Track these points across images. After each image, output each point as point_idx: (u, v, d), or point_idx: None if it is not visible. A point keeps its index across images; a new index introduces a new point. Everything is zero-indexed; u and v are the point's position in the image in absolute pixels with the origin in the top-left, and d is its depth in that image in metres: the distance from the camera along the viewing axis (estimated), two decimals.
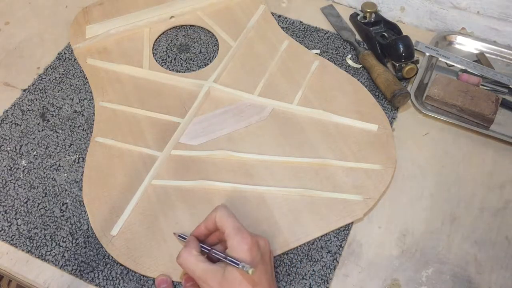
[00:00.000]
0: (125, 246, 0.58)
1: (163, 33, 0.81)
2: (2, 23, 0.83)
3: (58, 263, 0.58)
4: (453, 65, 0.75)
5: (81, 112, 0.71)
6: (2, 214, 0.62)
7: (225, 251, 0.50)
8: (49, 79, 0.75)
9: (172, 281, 0.56)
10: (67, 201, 0.63)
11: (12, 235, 0.60)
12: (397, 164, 0.65)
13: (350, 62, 0.76)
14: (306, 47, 0.77)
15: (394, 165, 0.64)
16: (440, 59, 0.75)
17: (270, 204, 0.61)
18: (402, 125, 0.70)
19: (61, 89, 0.74)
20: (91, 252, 0.59)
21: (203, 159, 0.65)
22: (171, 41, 0.80)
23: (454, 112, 0.70)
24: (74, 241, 0.59)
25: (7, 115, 0.71)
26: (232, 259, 0.48)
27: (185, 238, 0.55)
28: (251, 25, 0.80)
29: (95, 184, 0.63)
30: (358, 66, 0.76)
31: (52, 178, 0.65)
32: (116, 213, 0.61)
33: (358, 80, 0.73)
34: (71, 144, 0.68)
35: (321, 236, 0.59)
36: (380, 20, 0.80)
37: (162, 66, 0.76)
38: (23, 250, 0.59)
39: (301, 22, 0.82)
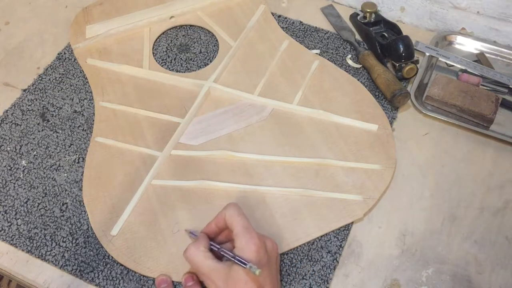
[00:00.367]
0: (125, 246, 0.58)
1: (163, 33, 0.81)
2: (2, 23, 0.83)
3: (58, 263, 0.58)
4: (453, 65, 0.75)
5: (81, 112, 0.71)
6: (2, 214, 0.62)
7: (232, 250, 0.50)
8: (49, 79, 0.75)
9: (172, 281, 0.56)
10: (67, 201, 0.63)
11: (12, 235, 0.60)
12: (397, 164, 0.65)
13: (350, 62, 0.76)
14: (306, 47, 0.77)
15: (394, 165, 0.64)
16: (440, 59, 0.75)
17: (270, 204, 0.61)
18: (402, 125, 0.70)
19: (61, 89, 0.74)
20: (91, 252, 0.59)
21: (203, 159, 0.65)
22: (171, 41, 0.80)
23: (454, 112, 0.70)
24: (74, 241, 0.59)
25: (7, 115, 0.71)
26: (240, 259, 0.48)
27: (195, 235, 0.55)
28: (251, 25, 0.80)
29: (95, 184, 0.63)
30: (358, 66, 0.76)
31: (52, 178, 0.65)
32: (116, 213, 0.61)
33: (358, 80, 0.73)
34: (71, 144, 0.68)
35: (321, 236, 0.59)
36: (380, 20, 0.80)
37: (162, 66, 0.76)
38: (23, 250, 0.59)
39: (301, 22, 0.82)
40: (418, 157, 0.66)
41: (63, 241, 0.60)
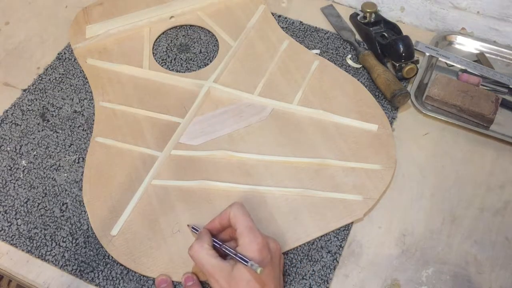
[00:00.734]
0: (125, 246, 0.58)
1: (163, 33, 0.81)
2: (2, 23, 0.83)
3: (58, 263, 0.58)
4: (453, 65, 0.75)
5: (81, 112, 0.71)
6: (2, 214, 0.62)
7: (235, 248, 0.50)
8: (49, 79, 0.75)
9: (172, 281, 0.56)
10: (67, 201, 0.63)
11: (12, 235, 0.60)
12: (397, 164, 0.65)
13: (350, 62, 0.76)
14: (306, 47, 0.77)
15: (394, 165, 0.64)
16: (440, 59, 0.75)
17: (270, 204, 0.61)
18: (402, 125, 0.70)
19: (61, 89, 0.74)
20: (91, 252, 0.59)
21: (203, 159, 0.65)
22: (171, 41, 0.80)
23: (454, 112, 0.70)
24: (74, 241, 0.59)
25: (7, 115, 0.71)
26: (242, 257, 0.48)
27: (197, 231, 0.55)
28: (251, 25, 0.80)
29: (95, 184, 0.63)
30: (358, 66, 0.76)
31: (52, 178, 0.65)
32: (116, 213, 0.61)
33: (358, 80, 0.73)
34: (71, 144, 0.68)
35: (321, 236, 0.59)
36: (380, 20, 0.80)
37: (162, 66, 0.76)
38: (23, 250, 0.59)
39: (301, 22, 0.82)
40: (418, 157, 0.66)
41: (63, 241, 0.60)
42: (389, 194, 0.63)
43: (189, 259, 0.57)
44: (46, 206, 0.62)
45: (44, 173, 0.65)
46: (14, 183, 0.64)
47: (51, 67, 0.76)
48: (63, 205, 0.62)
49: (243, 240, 0.50)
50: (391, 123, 0.69)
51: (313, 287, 0.56)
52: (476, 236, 0.60)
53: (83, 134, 0.69)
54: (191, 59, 0.77)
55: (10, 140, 0.68)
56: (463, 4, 0.77)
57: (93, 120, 0.70)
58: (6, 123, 0.70)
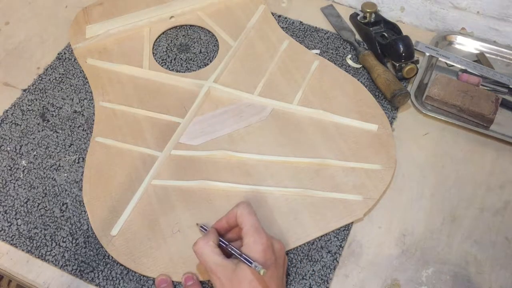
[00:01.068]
0: (125, 246, 0.58)
1: (163, 33, 0.81)
2: (2, 23, 0.83)
3: (58, 263, 0.58)
4: (453, 65, 0.75)
5: (81, 112, 0.71)
6: (2, 214, 0.62)
7: (240, 248, 0.50)
8: (49, 79, 0.75)
9: (172, 281, 0.56)
10: (67, 201, 0.63)
11: (12, 235, 0.60)
12: (397, 164, 0.65)
13: (350, 62, 0.76)
14: (306, 47, 0.77)
15: (394, 165, 0.64)
16: (440, 59, 0.75)
17: (270, 204, 0.61)
18: (402, 125, 0.70)
19: (61, 89, 0.74)
20: (91, 252, 0.59)
21: (203, 159, 0.65)
22: (171, 41, 0.80)
23: (454, 112, 0.70)
24: (74, 241, 0.59)
25: (7, 115, 0.71)
26: (246, 257, 0.48)
27: (206, 230, 0.56)
28: (251, 25, 0.80)
29: (95, 184, 0.63)
30: (358, 66, 0.76)
31: (52, 178, 0.65)
32: (116, 213, 0.61)
33: (358, 80, 0.73)
34: (71, 144, 0.68)
35: (321, 236, 0.59)
36: (380, 20, 0.80)
37: (162, 66, 0.76)
38: (23, 250, 0.59)
39: (301, 22, 0.82)
40: (418, 157, 0.66)
41: (63, 241, 0.60)
42: (389, 194, 0.63)
43: (189, 259, 0.57)
44: (46, 206, 0.62)
45: (44, 173, 0.65)
46: (14, 183, 0.64)
47: (51, 67, 0.76)
48: (63, 205, 0.62)
49: (248, 240, 0.50)
50: (391, 123, 0.69)
51: (313, 287, 0.56)
52: (476, 236, 0.60)
53: (83, 134, 0.69)
54: (191, 59, 0.77)
55: (10, 140, 0.68)
56: (463, 4, 0.77)
57: (93, 120, 0.70)
58: (6, 123, 0.70)
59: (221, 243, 0.53)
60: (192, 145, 0.66)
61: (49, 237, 0.60)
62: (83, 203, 0.62)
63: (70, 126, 0.70)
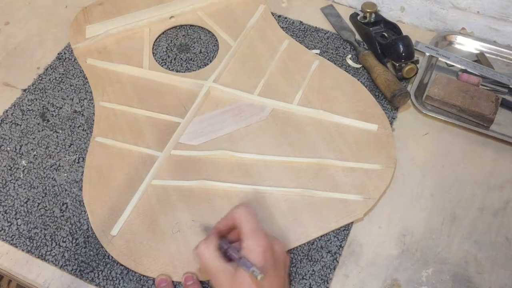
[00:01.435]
0: (125, 246, 0.58)
1: (163, 33, 0.81)
2: (2, 23, 0.83)
3: (58, 263, 0.58)
4: (453, 65, 0.75)
5: (81, 112, 0.71)
6: (2, 214, 0.62)
7: (240, 250, 0.50)
8: (49, 79, 0.75)
9: (172, 281, 0.56)
10: (67, 201, 0.63)
11: (12, 235, 0.60)
12: (397, 164, 0.65)
13: (350, 62, 0.76)
14: (306, 47, 0.77)
15: (394, 165, 0.64)
16: (440, 59, 0.75)
17: (270, 204, 0.61)
18: (402, 125, 0.70)
19: (61, 89, 0.74)
20: (91, 252, 0.59)
21: (203, 159, 0.65)
22: (171, 41, 0.80)
23: (454, 112, 0.70)
24: (74, 241, 0.59)
25: (7, 115, 0.71)
26: (245, 262, 0.48)
27: (206, 231, 0.55)
28: (251, 25, 0.80)
29: (95, 184, 0.63)
30: (358, 66, 0.76)
31: (52, 178, 0.65)
32: (116, 213, 0.61)
33: (358, 80, 0.73)
34: (71, 144, 0.68)
35: (321, 236, 0.59)
36: (380, 20, 0.80)
37: (162, 66, 0.76)
38: (23, 250, 0.59)
39: (301, 22, 0.82)
40: (418, 157, 0.66)
41: (63, 241, 0.60)
42: (389, 194, 0.63)
43: (188, 259, 0.57)
44: (46, 206, 0.62)
45: (44, 173, 0.65)
46: (14, 183, 0.64)
47: (51, 67, 0.76)
48: (63, 205, 0.62)
49: (247, 243, 0.49)
50: (391, 123, 0.69)
51: (313, 287, 0.56)
52: (476, 236, 0.60)
53: (83, 134, 0.69)
54: (191, 59, 0.77)
55: (10, 140, 0.68)
56: (463, 4, 0.77)
57: (93, 120, 0.70)
58: (6, 123, 0.70)
59: (222, 246, 0.52)
60: (192, 145, 0.66)
61: (49, 237, 0.60)
62: (83, 203, 0.62)
63: (70, 126, 0.70)
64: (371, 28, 0.78)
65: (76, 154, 0.67)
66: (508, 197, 0.63)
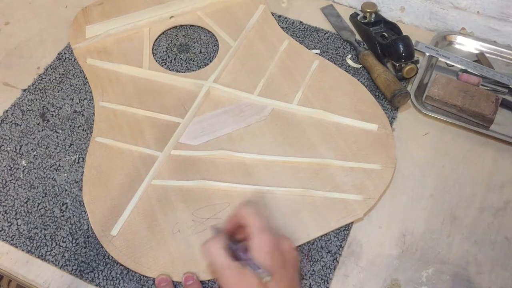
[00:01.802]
0: (125, 246, 0.58)
1: (163, 33, 0.81)
2: (2, 23, 0.83)
3: (58, 263, 0.58)
4: (453, 65, 0.75)
5: (81, 112, 0.71)
6: (2, 214, 0.62)
7: (247, 251, 0.49)
8: (49, 79, 0.75)
9: (172, 281, 0.56)
10: (67, 201, 0.63)
11: (12, 235, 0.60)
12: (397, 164, 0.65)
13: (350, 62, 0.76)
14: (306, 47, 0.77)
15: (394, 165, 0.64)
16: (440, 59, 0.75)
17: (270, 204, 0.61)
18: (402, 125, 0.70)
19: (61, 89, 0.74)
20: (91, 252, 0.59)
21: (203, 159, 0.65)
22: (171, 41, 0.80)
23: (454, 112, 0.70)
24: (74, 241, 0.59)
25: (7, 115, 0.71)
26: (253, 263, 0.47)
27: (215, 231, 0.54)
28: (251, 25, 0.80)
29: (95, 184, 0.63)
30: (358, 66, 0.76)
31: (52, 178, 0.65)
32: (116, 213, 0.61)
33: (358, 80, 0.73)
34: (71, 144, 0.68)
35: (321, 236, 0.59)
36: (380, 20, 0.80)
37: (162, 66, 0.76)
38: (23, 250, 0.59)
39: (301, 22, 0.82)
40: (418, 157, 0.66)
41: (63, 241, 0.60)
42: (389, 194, 0.63)
43: (189, 259, 0.57)
44: (46, 206, 0.62)
45: (44, 173, 0.65)
46: (14, 183, 0.64)
47: (51, 67, 0.76)
48: (63, 205, 0.62)
49: (253, 242, 0.48)
50: (391, 123, 0.69)
51: (313, 287, 0.56)
52: (476, 236, 0.60)
53: (83, 134, 0.69)
54: (191, 59, 0.77)
55: (10, 140, 0.68)
56: (463, 4, 0.77)
57: (93, 120, 0.70)
58: (6, 123, 0.70)
59: (231, 246, 0.51)
60: (192, 145, 0.66)
61: (49, 237, 0.60)
62: (83, 203, 0.62)
63: (70, 126, 0.70)
64: (371, 28, 0.78)
65: (76, 154, 0.67)
66: (508, 197, 0.63)
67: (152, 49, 0.78)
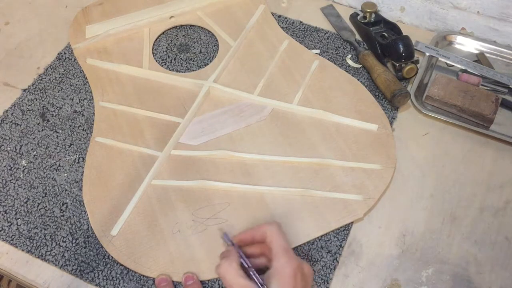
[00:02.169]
0: (125, 246, 0.58)
1: (163, 33, 0.81)
2: (2, 23, 0.83)
3: (58, 263, 0.58)
4: (453, 65, 0.75)
5: (81, 112, 0.71)
6: (2, 214, 0.62)
7: (266, 273, 0.49)
8: (49, 79, 0.75)
9: (172, 281, 0.56)
10: (67, 201, 0.63)
11: (12, 235, 0.60)
12: (397, 164, 0.65)
13: (350, 62, 0.76)
14: (306, 47, 0.77)
15: (394, 165, 0.64)
16: (440, 59, 0.75)
17: (270, 204, 0.61)
18: (402, 125, 0.70)
19: (61, 89, 0.74)
20: (91, 252, 0.59)
21: (203, 159, 0.65)
22: (171, 41, 0.80)
23: (454, 112, 0.70)
24: (74, 241, 0.59)
25: (7, 115, 0.71)
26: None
27: (228, 241, 0.54)
28: (251, 25, 0.80)
29: (95, 184, 0.63)
30: (358, 66, 0.76)
31: (52, 178, 0.65)
32: (116, 213, 0.61)
33: (358, 80, 0.73)
34: (71, 144, 0.68)
35: (321, 236, 0.59)
36: (380, 20, 0.80)
37: (162, 66, 0.76)
38: (23, 250, 0.59)
39: (301, 22, 0.82)
40: (418, 157, 0.66)
41: (63, 241, 0.60)
42: (389, 194, 0.63)
43: (188, 259, 0.57)
44: (46, 206, 0.62)
45: (44, 173, 0.65)
46: (14, 183, 0.64)
47: (51, 67, 0.76)
48: (63, 205, 0.62)
49: (277, 263, 0.48)
50: (391, 123, 0.69)
51: (313, 287, 0.56)
52: (476, 236, 0.60)
53: (83, 134, 0.69)
54: (191, 59, 0.77)
55: (10, 140, 0.68)
56: (463, 4, 0.77)
57: (93, 120, 0.70)
58: (6, 123, 0.70)
59: (242, 263, 0.51)
60: (192, 145, 0.66)
61: (49, 237, 0.60)
62: (83, 203, 0.62)
63: (70, 126, 0.70)
64: (371, 28, 0.78)
65: (76, 154, 0.67)
66: (508, 197, 0.63)
67: (152, 49, 0.78)
